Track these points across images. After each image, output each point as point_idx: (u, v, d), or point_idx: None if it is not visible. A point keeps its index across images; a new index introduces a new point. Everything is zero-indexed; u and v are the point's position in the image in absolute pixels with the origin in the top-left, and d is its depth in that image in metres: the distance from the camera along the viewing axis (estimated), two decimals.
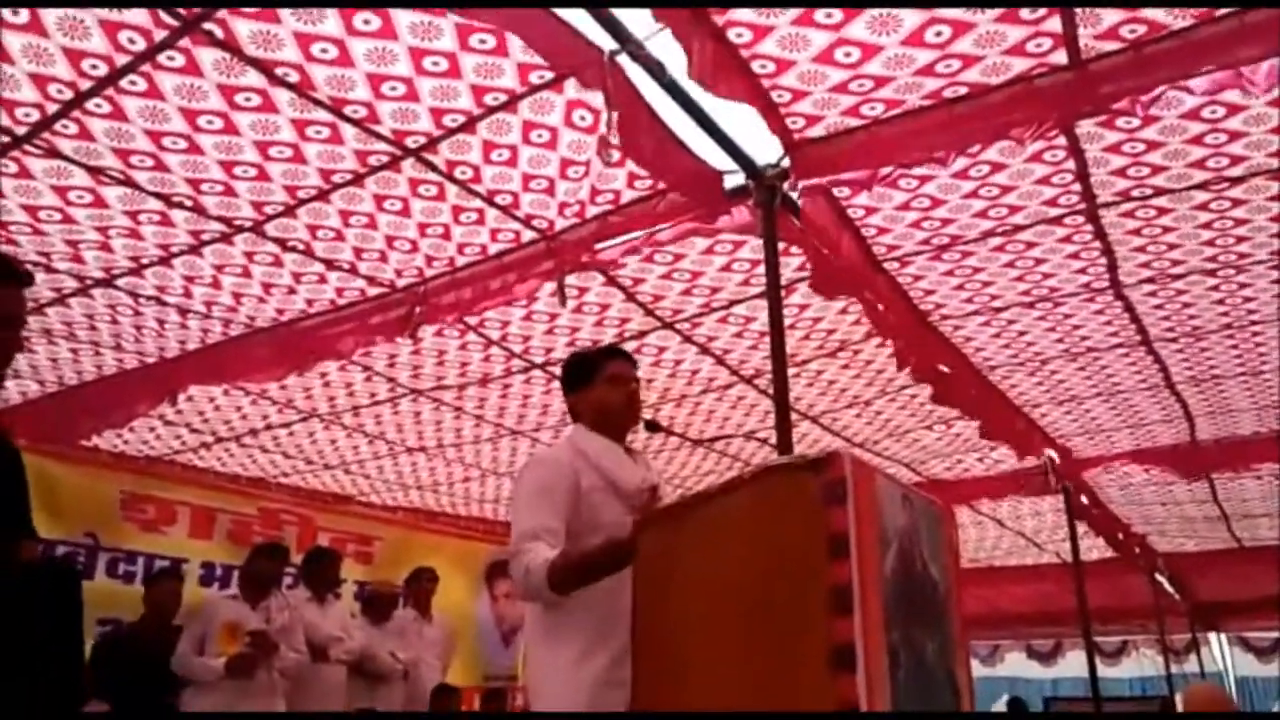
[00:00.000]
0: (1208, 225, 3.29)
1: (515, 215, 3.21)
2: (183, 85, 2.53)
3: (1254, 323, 4.09)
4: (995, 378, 4.82)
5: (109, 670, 4.78)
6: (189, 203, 3.11)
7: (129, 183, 2.99)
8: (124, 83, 2.51)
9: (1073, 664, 11.92)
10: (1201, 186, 3.03)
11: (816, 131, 2.77)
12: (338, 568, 5.93)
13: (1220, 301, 3.89)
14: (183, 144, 2.79)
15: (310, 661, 5.23)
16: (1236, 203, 3.13)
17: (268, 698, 4.91)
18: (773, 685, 1.92)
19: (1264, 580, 9.59)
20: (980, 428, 5.15)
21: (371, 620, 5.93)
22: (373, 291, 3.75)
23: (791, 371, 4.44)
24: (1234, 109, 2.62)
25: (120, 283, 3.68)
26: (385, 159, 2.89)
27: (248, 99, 2.60)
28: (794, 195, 3.01)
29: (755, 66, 2.49)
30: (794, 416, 5.12)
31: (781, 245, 3.11)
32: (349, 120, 2.69)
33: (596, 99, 2.53)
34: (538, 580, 2.20)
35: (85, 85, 2.52)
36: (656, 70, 2.47)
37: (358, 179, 2.99)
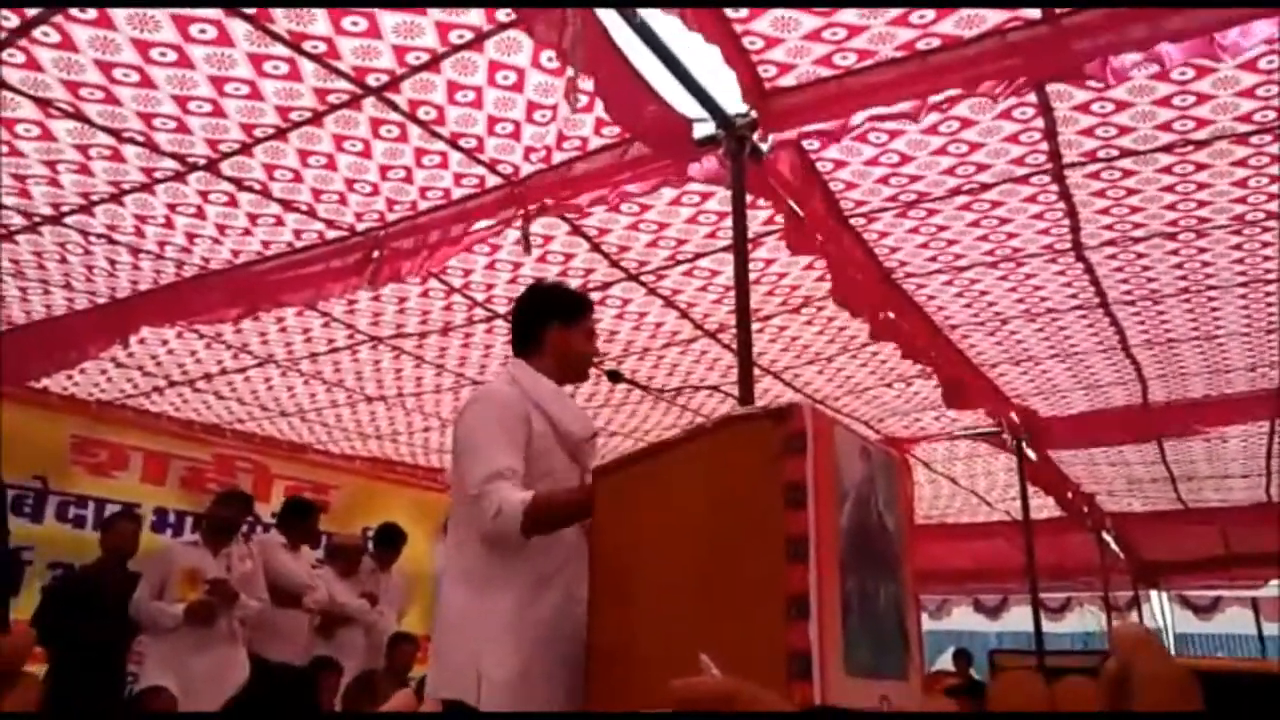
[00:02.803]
0: (1170, 189, 3.31)
1: (479, 159, 3.15)
2: (134, 15, 2.43)
3: (1210, 287, 4.14)
4: (955, 336, 4.86)
5: (64, 612, 4.72)
6: (141, 138, 3.01)
7: (79, 116, 2.88)
8: (73, 10, 2.41)
9: (1018, 618, 12.21)
10: (1166, 149, 3.04)
11: (788, 80, 2.73)
12: (318, 523, 5.94)
13: (1179, 266, 3.93)
14: (135, 77, 2.69)
15: (278, 606, 5.22)
16: (1200, 166, 3.14)
17: (228, 646, 4.90)
18: (727, 632, 1.94)
19: (1206, 540, 9.87)
20: (942, 390, 5.18)
21: (340, 572, 5.91)
22: (331, 235, 3.67)
23: (755, 327, 4.44)
24: (1203, 71, 2.62)
25: (69, 220, 3.57)
26: (345, 97, 2.80)
27: (203, 31, 2.51)
28: (763, 146, 2.98)
29: (728, 11, 2.44)
30: (756, 372, 5.14)
31: (749, 198, 3.08)
32: (308, 56, 2.61)
33: (565, 39, 2.47)
34: (509, 522, 2.12)
35: (32, 12, 2.41)
36: (627, 11, 2.42)
37: (317, 118, 2.90)
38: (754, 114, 2.87)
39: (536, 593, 2.23)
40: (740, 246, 2.98)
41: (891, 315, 4.26)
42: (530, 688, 2.17)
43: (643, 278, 4.14)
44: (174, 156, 3.12)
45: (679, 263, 3.99)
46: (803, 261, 3.91)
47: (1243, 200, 3.36)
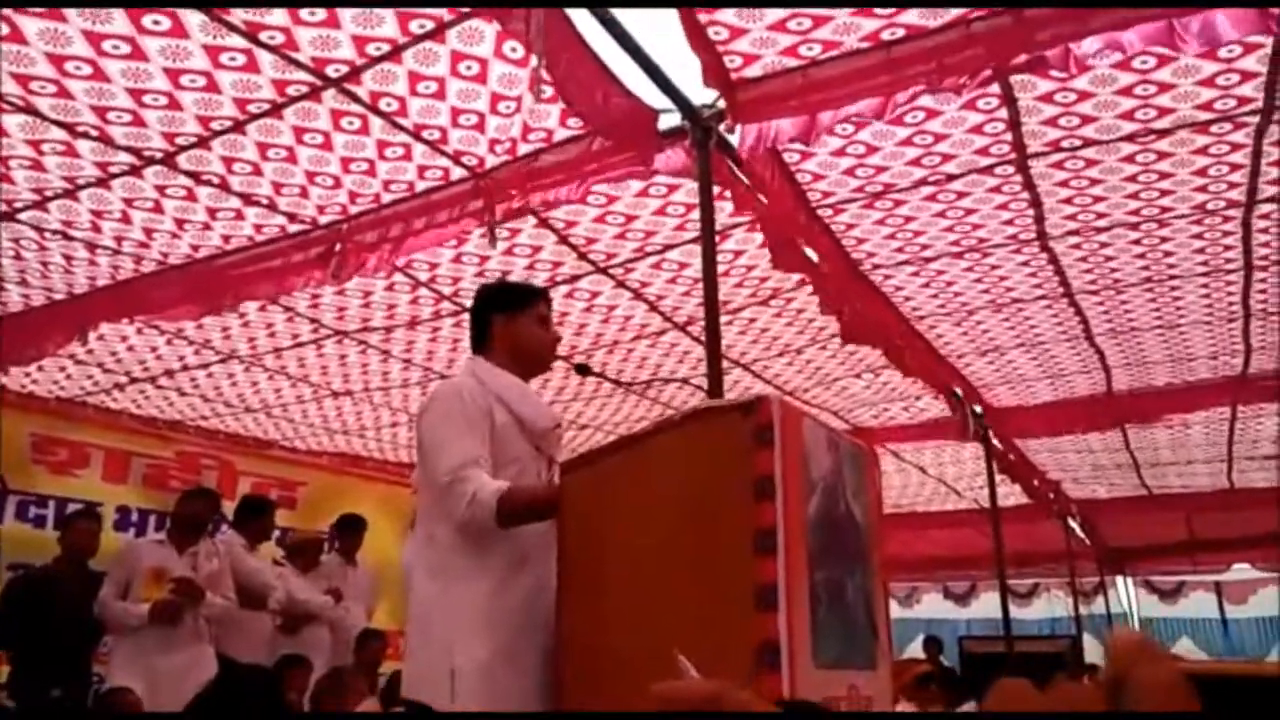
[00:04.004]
0: (1133, 178, 3.33)
1: (443, 151, 3.11)
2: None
3: (1172, 276, 4.19)
4: (922, 327, 4.88)
5: (23, 614, 4.64)
6: (95, 132, 2.95)
7: (30, 110, 2.81)
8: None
9: (986, 605, 12.33)
10: (1129, 138, 3.06)
11: (754, 71, 2.72)
12: (274, 519, 5.89)
13: (1141, 255, 3.97)
14: (87, 70, 2.63)
15: (242, 607, 5.17)
16: (1162, 155, 3.17)
17: (195, 645, 4.84)
18: (697, 624, 1.93)
19: (1171, 526, 10.02)
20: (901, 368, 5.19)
21: (300, 568, 5.86)
22: (293, 229, 3.62)
23: (724, 319, 4.44)
24: (1164, 60, 2.64)
25: (23, 216, 3.49)
26: (305, 89, 2.75)
27: (156, 22, 2.45)
28: (730, 137, 2.96)
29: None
30: (725, 364, 5.13)
31: (716, 189, 3.07)
32: (265, 47, 2.56)
33: (528, 30, 2.44)
34: (484, 509, 2.15)
35: None
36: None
37: (275, 110, 2.85)
38: (721, 104, 2.85)
39: (507, 582, 2.25)
40: (708, 238, 2.96)
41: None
42: (502, 677, 2.19)
43: (611, 270, 4.11)
44: (129, 150, 3.05)
45: (647, 255, 3.97)
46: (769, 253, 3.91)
47: (1203, 189, 3.39)
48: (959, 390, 5.74)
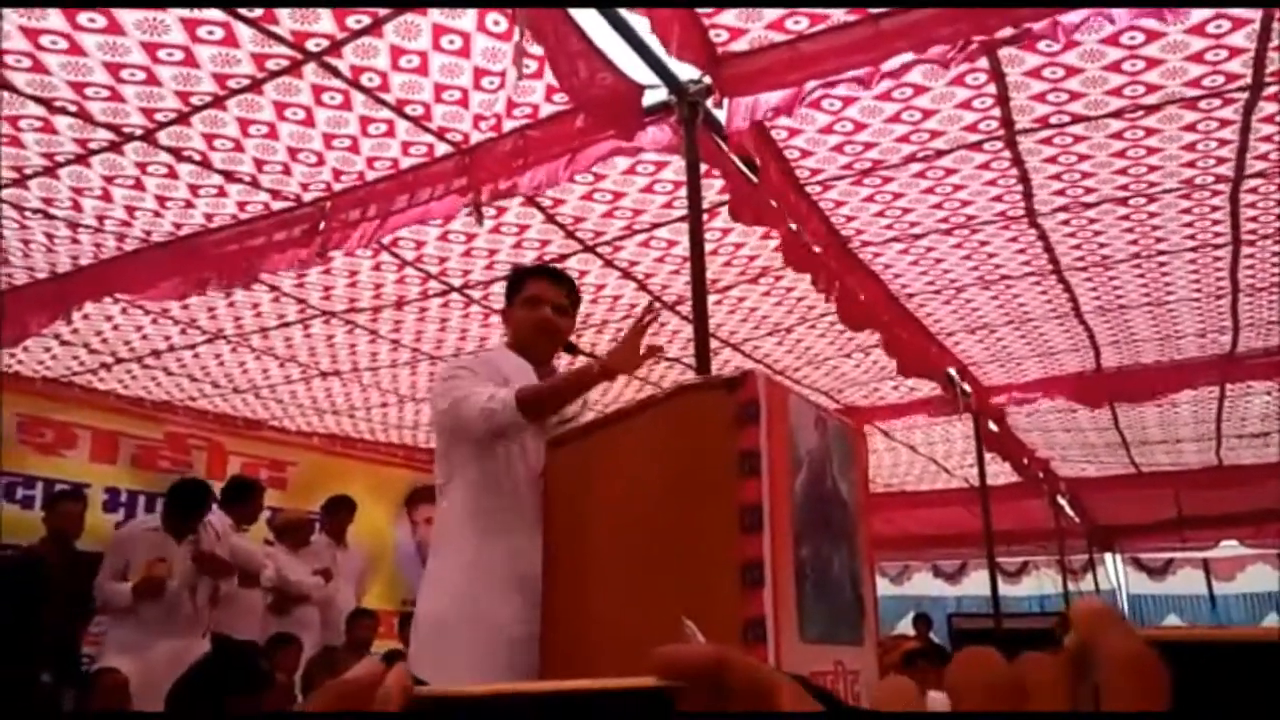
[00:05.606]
0: (1121, 154, 3.31)
1: (427, 127, 3.08)
2: None
3: (1161, 253, 4.18)
4: (911, 305, 4.87)
5: (7, 595, 4.63)
6: (73, 108, 2.91)
7: (6, 85, 2.77)
8: None
9: (977, 583, 12.40)
10: (1117, 114, 3.04)
11: (740, 46, 2.69)
12: (262, 502, 5.87)
13: (1130, 230, 3.95)
14: (63, 44, 2.59)
15: (238, 587, 5.19)
16: (1150, 131, 3.15)
17: (191, 631, 4.83)
18: (683, 600, 1.93)
19: (1159, 504, 10.06)
20: (898, 364, 5.20)
21: (289, 547, 5.86)
22: (277, 206, 3.58)
23: (713, 298, 4.42)
24: (1153, 35, 2.62)
25: (3, 194, 3.45)
26: (285, 63, 2.72)
27: None
28: (718, 113, 2.93)
29: None
30: (715, 344, 5.12)
31: (704, 167, 3.04)
32: (244, 20, 2.52)
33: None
34: (503, 406, 2.23)
35: None
36: None
37: (255, 85, 2.81)
38: (707, 79, 2.82)
39: (483, 547, 2.34)
40: (695, 216, 2.94)
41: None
42: (457, 625, 2.27)
43: (599, 249, 4.09)
44: (108, 127, 3.01)
45: (635, 233, 3.95)
46: (759, 231, 3.89)
47: (1192, 165, 3.38)
48: (951, 369, 5.73)
